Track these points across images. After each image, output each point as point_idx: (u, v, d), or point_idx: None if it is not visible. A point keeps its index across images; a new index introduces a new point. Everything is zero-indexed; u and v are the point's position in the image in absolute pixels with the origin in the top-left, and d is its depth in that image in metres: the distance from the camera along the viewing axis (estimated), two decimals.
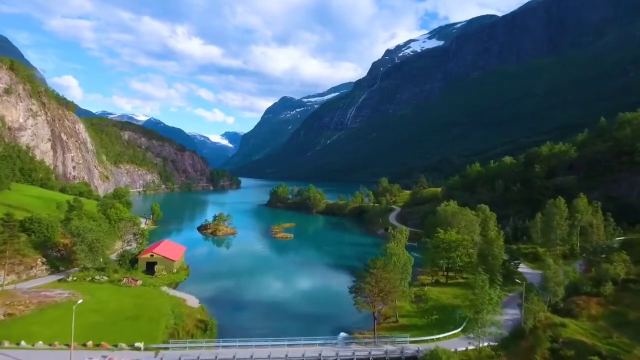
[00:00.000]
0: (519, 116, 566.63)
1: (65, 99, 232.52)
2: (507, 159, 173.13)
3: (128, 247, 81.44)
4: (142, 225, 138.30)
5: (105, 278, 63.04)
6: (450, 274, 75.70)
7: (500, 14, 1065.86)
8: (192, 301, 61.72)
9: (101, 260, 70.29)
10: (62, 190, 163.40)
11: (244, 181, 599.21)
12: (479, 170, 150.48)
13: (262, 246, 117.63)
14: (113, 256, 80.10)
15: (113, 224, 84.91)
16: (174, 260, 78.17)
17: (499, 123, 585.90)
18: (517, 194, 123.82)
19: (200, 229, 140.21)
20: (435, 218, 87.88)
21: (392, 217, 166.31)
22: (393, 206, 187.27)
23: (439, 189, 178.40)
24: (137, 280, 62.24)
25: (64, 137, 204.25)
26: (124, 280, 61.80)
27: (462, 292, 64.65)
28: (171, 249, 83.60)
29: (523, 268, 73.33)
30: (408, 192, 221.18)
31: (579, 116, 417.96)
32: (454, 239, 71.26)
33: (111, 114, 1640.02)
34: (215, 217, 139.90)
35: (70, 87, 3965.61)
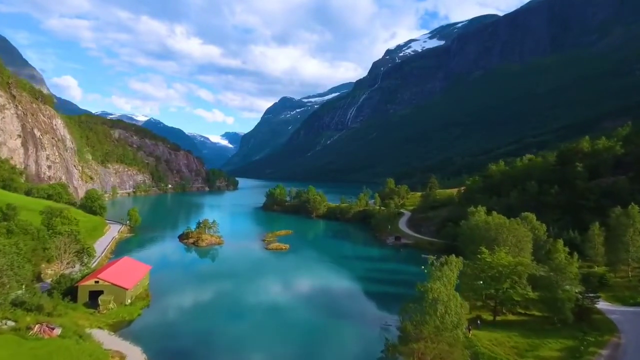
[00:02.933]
0: (522, 116, 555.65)
1: (41, 91, 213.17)
2: (529, 156, 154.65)
3: (70, 270, 62.11)
4: (115, 234, 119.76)
5: (11, 323, 43.63)
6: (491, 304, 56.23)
7: (500, 14, 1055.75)
8: (135, 358, 42.32)
9: (21, 292, 50.87)
10: (28, 193, 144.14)
11: (243, 182, 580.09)
12: (504, 170, 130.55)
13: (251, 261, 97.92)
14: (48, 282, 60.79)
15: (45, 238, 64.77)
16: (126, 289, 58.60)
17: (501, 123, 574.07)
18: (554, 197, 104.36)
19: (181, 237, 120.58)
20: (472, 231, 67.93)
21: (402, 223, 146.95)
22: (402, 210, 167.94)
23: (455, 191, 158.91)
24: (53, 329, 42.81)
25: (38, 134, 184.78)
26: (35, 329, 42.40)
27: (527, 343, 45.10)
28: (126, 271, 64.02)
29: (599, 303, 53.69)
30: (416, 194, 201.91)
31: (584, 116, 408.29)
32: (506, 262, 51.66)
33: (111, 114, 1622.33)
34: (198, 223, 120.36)
35: (70, 87, 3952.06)
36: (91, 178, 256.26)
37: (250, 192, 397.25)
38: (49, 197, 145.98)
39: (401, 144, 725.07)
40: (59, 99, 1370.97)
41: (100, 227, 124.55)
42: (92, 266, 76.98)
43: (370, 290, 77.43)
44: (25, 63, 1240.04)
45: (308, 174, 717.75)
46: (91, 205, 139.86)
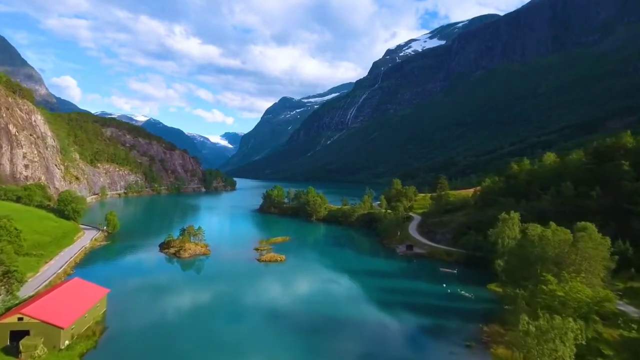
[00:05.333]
0: (524, 115, 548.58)
1: (19, 84, 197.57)
2: (549, 154, 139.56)
3: None
4: (86, 243, 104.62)
5: None
6: None
7: (500, 13, 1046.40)
8: None
9: None
10: None
11: (242, 182, 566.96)
12: (530, 169, 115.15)
13: (239, 277, 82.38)
14: None
15: None
16: (61, 327, 43.51)
17: (504, 122, 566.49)
18: (596, 201, 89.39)
19: (162, 246, 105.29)
20: (524, 250, 51.75)
21: (412, 229, 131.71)
22: (410, 213, 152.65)
23: (470, 192, 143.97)
24: None
25: (14, 130, 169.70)
26: None
27: None
28: (68, 300, 48.92)
29: None
30: (425, 196, 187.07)
31: (588, 115, 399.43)
32: (587, 297, 36.57)
33: (110, 114, 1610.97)
34: (182, 230, 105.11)
35: (69, 87, 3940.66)
36: (77, 178, 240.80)
37: (248, 193, 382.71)
38: (18, 200, 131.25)
39: (402, 144, 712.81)
40: (58, 99, 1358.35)
41: (71, 234, 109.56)
42: (38, 288, 62.12)
43: (384, 320, 62.18)
44: (24, 63, 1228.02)
45: (308, 174, 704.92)
46: (64, 208, 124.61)
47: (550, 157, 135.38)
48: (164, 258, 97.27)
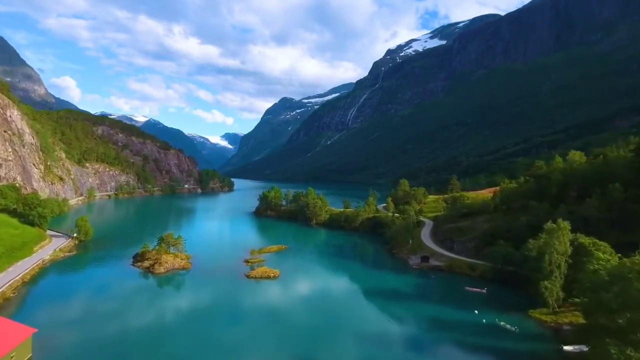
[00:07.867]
0: (527, 115, 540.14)
1: None
2: (575, 153, 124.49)
3: None
4: (46, 255, 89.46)
5: None
6: None
7: (501, 13, 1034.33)
8: None
9: None
10: None
11: (242, 182, 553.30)
12: (565, 168, 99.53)
13: (221, 301, 66.87)
14: None
15: None
16: None
17: (506, 122, 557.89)
18: None
19: (136, 258, 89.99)
20: (630, 285, 35.35)
21: (424, 236, 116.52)
22: (421, 218, 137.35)
23: (486, 194, 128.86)
24: None
25: None
26: None
27: None
28: None
29: None
30: (437, 197, 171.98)
31: (591, 115, 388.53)
32: None
33: (110, 114, 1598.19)
34: (160, 239, 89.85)
35: (69, 87, 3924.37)
36: (61, 179, 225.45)
37: (245, 193, 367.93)
38: None
39: (403, 144, 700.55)
40: (57, 99, 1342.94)
41: (32, 244, 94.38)
42: None
43: None
44: (22, 62, 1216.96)
45: (308, 175, 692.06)
46: (28, 213, 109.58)
47: (577, 156, 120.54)
48: (135, 273, 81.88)
